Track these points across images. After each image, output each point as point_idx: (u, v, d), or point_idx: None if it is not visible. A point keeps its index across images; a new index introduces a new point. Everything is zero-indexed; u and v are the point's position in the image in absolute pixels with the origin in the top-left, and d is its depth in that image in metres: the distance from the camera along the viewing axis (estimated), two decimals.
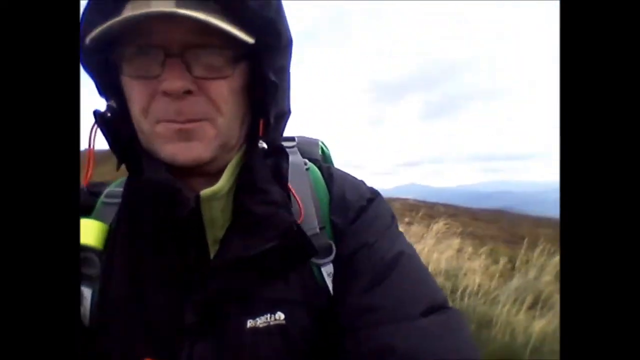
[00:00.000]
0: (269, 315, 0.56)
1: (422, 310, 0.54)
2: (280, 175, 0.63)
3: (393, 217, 0.66)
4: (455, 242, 5.11)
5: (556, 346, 2.83)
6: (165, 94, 0.52)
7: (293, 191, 0.63)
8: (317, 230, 0.61)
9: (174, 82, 0.51)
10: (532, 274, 4.14)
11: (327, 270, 0.59)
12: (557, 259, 4.27)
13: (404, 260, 0.59)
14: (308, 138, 0.76)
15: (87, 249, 0.58)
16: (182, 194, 0.54)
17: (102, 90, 0.60)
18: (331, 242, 0.60)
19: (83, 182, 0.63)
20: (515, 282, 3.91)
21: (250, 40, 0.52)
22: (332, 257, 0.60)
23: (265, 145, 0.62)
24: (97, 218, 0.61)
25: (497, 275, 4.13)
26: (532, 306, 3.42)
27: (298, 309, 0.57)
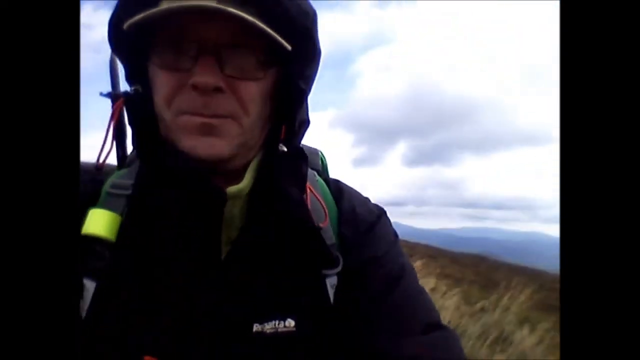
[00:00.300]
0: (277, 321, 0.55)
1: (422, 326, 0.57)
2: (300, 178, 0.62)
3: (396, 234, 0.68)
4: (432, 281, 5.26)
5: None
6: (195, 87, 0.52)
7: (316, 194, 0.63)
8: (334, 240, 0.61)
9: (205, 77, 0.51)
10: (497, 314, 4.48)
11: (331, 282, 0.59)
12: (521, 300, 4.65)
13: (407, 275, 0.62)
14: (308, 147, 0.76)
15: (97, 240, 0.55)
16: (213, 186, 0.54)
17: (129, 75, 0.60)
18: (338, 254, 0.61)
19: (98, 165, 0.62)
20: (482, 320, 4.26)
21: (288, 46, 0.52)
22: (338, 269, 0.60)
23: (285, 149, 0.61)
24: (105, 207, 0.58)
25: (467, 314, 4.45)
26: (494, 342, 3.83)
27: (308, 316, 0.57)
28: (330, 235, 0.61)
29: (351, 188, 0.70)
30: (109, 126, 0.60)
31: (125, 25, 0.51)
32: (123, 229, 0.57)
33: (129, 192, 0.60)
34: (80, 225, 0.55)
